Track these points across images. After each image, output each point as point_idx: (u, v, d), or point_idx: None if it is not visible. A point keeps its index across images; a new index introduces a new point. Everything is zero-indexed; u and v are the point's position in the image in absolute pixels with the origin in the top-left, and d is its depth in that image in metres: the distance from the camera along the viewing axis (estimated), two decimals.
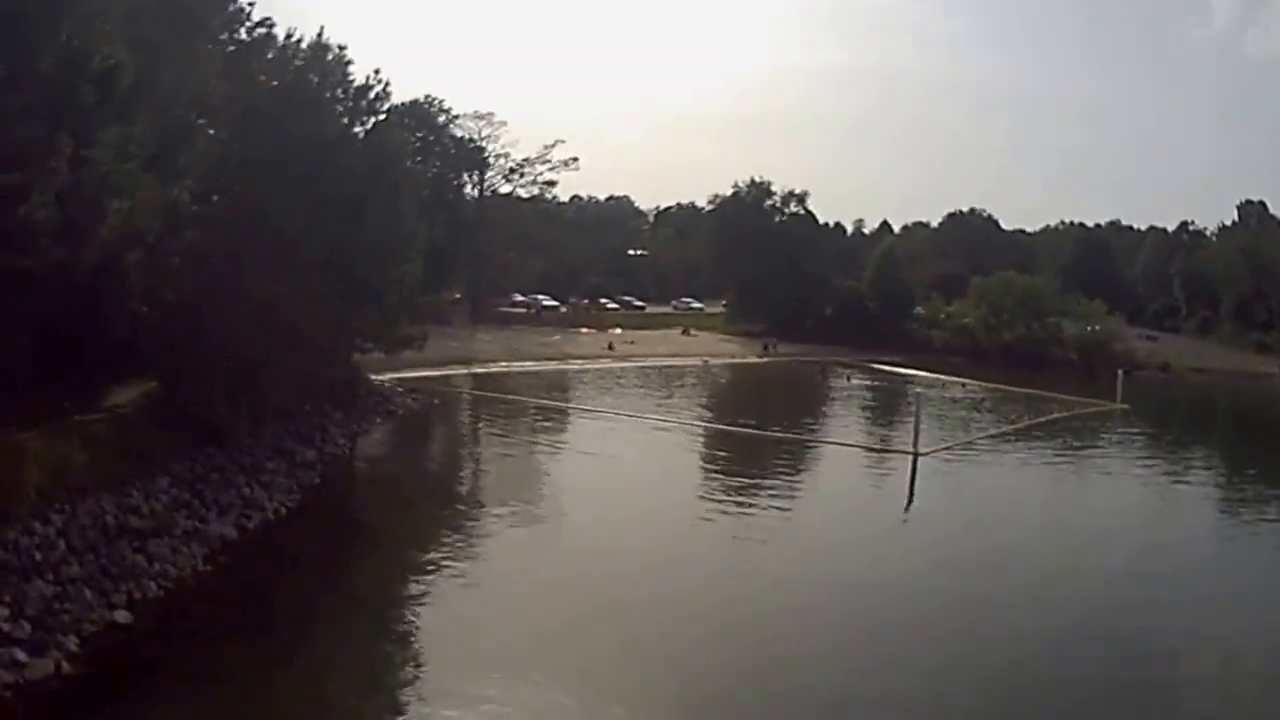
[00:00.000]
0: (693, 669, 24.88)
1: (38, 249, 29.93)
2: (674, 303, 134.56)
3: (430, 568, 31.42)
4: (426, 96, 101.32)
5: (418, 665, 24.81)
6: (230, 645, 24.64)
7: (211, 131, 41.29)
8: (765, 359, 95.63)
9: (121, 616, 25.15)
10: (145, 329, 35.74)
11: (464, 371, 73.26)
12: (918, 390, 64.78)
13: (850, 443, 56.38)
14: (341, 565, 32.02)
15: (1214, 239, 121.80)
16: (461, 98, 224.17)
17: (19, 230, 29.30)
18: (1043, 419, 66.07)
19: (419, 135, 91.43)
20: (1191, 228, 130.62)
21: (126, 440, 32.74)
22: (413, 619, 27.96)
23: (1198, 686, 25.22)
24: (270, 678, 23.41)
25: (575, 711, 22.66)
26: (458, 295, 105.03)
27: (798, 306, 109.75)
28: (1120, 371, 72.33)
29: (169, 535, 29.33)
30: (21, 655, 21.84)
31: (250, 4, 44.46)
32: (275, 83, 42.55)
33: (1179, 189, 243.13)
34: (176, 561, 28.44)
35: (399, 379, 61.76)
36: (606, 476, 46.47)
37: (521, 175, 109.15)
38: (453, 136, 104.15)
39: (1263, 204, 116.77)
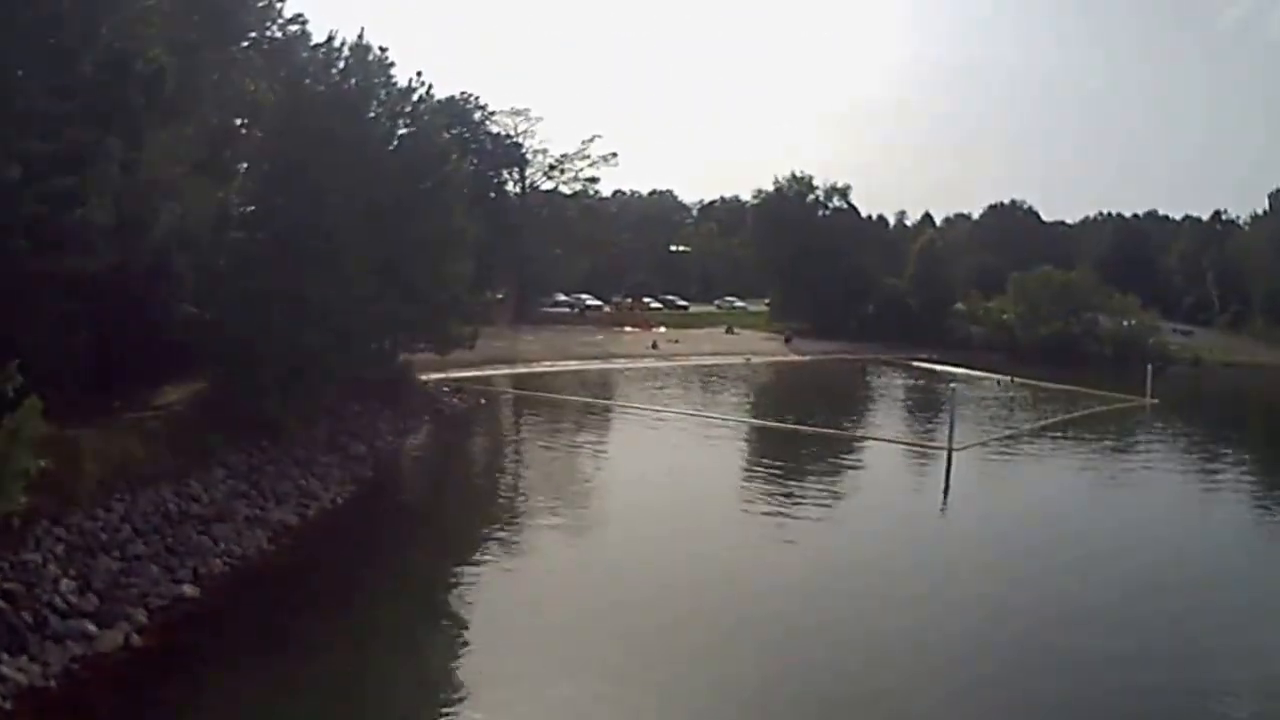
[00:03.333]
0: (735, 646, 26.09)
1: (93, 251, 31.61)
2: (717, 301, 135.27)
3: (479, 554, 33.06)
4: (461, 93, 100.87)
5: (466, 642, 26.29)
6: (295, 618, 26.02)
7: (258, 134, 42.77)
8: (807, 357, 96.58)
9: (189, 590, 26.33)
10: (197, 331, 37.24)
11: (508, 371, 74.01)
12: (954, 387, 65.51)
13: (888, 438, 57.69)
14: (397, 549, 33.54)
15: (1247, 228, 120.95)
16: (493, 93, 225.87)
17: (77, 232, 31.02)
18: (1072, 414, 67.33)
19: (455, 132, 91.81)
20: (1225, 217, 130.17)
21: (181, 436, 33.90)
22: (462, 598, 29.44)
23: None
24: (334, 646, 24.76)
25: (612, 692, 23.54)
26: (501, 295, 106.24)
27: (841, 305, 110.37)
28: (1150, 366, 73.35)
29: (231, 520, 30.96)
30: (91, 627, 22.89)
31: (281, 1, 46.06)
32: (321, 87, 43.81)
33: (1217, 178, 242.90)
34: (241, 542, 29.93)
35: (445, 378, 63.01)
36: (649, 471, 47.39)
37: (562, 171, 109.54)
38: (490, 133, 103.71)
39: None
